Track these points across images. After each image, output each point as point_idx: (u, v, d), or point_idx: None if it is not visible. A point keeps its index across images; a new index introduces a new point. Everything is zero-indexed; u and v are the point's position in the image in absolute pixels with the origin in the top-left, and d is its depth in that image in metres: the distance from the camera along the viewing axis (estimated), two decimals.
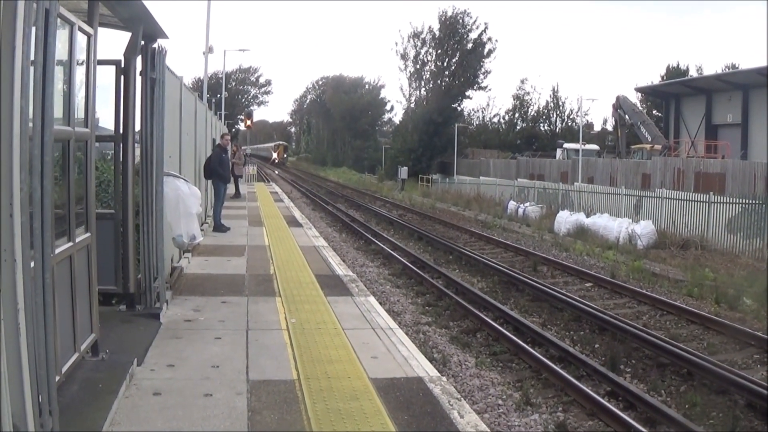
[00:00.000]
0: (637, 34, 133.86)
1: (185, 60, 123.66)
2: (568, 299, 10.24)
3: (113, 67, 5.83)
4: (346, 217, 23.26)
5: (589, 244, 16.99)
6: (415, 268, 12.84)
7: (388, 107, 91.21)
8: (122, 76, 5.83)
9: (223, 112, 35.76)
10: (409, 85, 60.65)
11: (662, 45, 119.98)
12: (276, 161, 77.46)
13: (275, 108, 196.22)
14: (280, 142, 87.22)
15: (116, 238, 5.92)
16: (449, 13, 56.98)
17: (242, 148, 38.36)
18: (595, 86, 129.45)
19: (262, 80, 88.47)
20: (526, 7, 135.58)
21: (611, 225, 18.21)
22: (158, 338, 5.45)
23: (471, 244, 17.61)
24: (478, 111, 65.65)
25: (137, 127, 5.98)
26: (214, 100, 32.19)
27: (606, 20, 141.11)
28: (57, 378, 3.52)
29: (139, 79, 5.91)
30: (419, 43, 58.98)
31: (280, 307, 6.73)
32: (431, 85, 57.90)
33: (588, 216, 20.05)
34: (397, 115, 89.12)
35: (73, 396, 3.95)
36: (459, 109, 59.19)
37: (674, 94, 43.82)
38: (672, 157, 32.20)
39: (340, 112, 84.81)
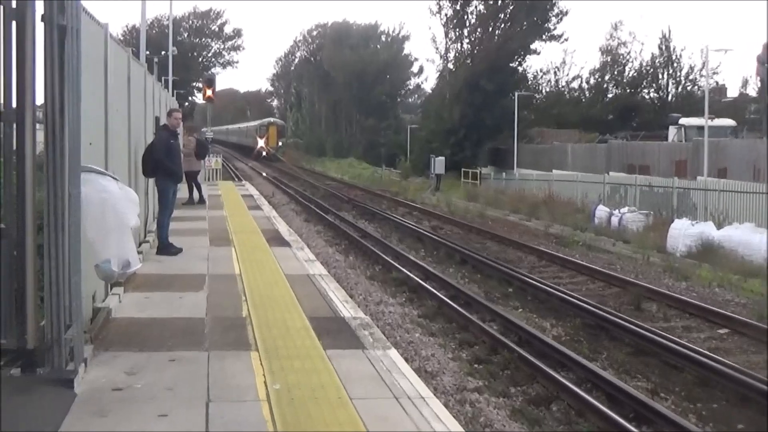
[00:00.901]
0: None
1: (112, 2, 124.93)
2: (691, 353, 10.21)
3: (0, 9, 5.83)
4: (354, 231, 23.38)
5: (721, 270, 16.87)
6: (458, 306, 12.90)
7: (414, 69, 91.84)
8: (14, 22, 5.81)
9: (170, 78, 36.21)
10: (446, 35, 60.95)
11: None
12: (265, 154, 73.40)
13: (249, 71, 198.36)
14: (271, 120, 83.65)
15: (9, 266, 5.88)
16: None
17: (202, 130, 38.79)
18: (728, 32, 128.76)
19: (228, 30, 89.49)
20: None
21: (755, 240, 18.12)
22: (71, 417, 5.38)
23: (540, 270, 17.62)
24: (548, 73, 65.40)
25: (39, 100, 5.95)
26: (157, 60, 32.58)
27: None
28: None
29: (40, 27, 5.88)
30: None
31: (257, 365, 6.69)
32: (478, 35, 57.98)
33: (719, 227, 19.86)
34: (428, 81, 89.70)
35: None
36: (521, 70, 59.29)
37: None
38: None
39: (344, 77, 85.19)
